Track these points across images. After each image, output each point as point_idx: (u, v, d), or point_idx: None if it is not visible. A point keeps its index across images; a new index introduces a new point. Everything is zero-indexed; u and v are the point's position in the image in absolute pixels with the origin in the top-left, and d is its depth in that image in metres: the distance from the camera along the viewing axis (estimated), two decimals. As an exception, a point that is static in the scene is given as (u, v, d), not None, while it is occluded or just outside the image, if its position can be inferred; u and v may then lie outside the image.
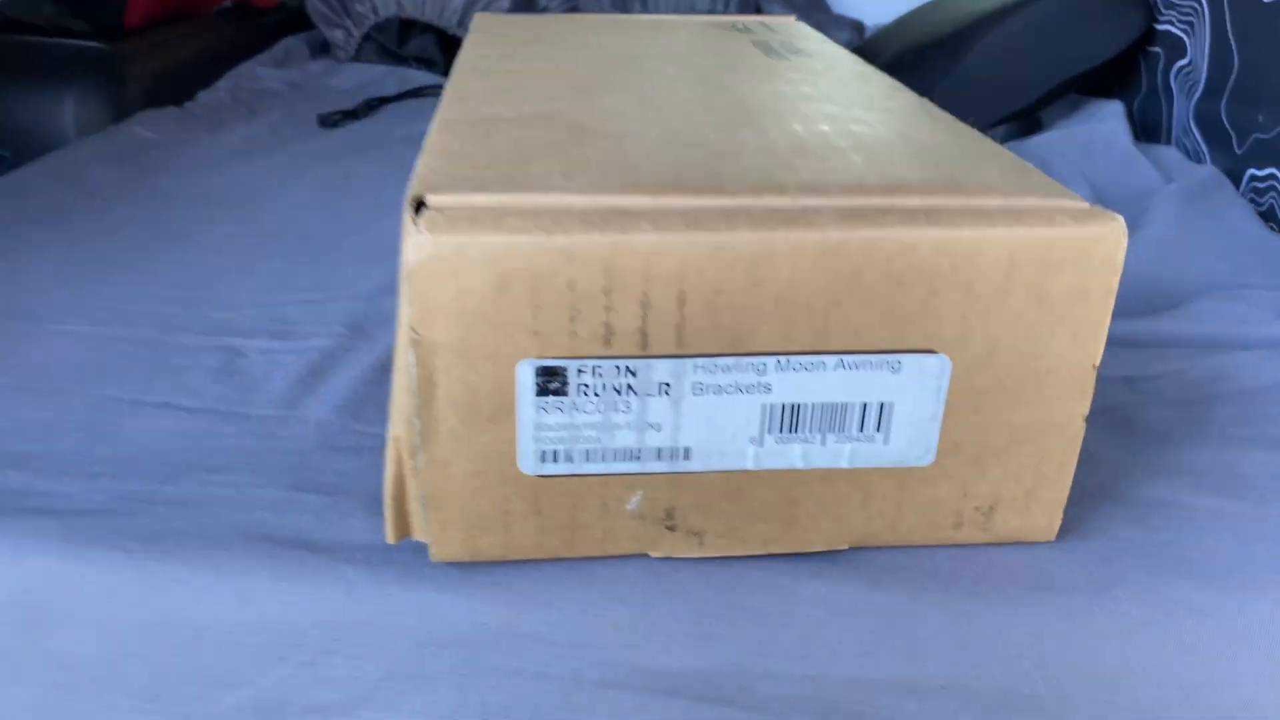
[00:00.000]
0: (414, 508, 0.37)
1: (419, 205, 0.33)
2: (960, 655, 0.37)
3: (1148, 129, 0.86)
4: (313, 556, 0.38)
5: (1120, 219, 0.34)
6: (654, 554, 0.38)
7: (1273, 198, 0.69)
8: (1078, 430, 0.37)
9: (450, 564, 0.38)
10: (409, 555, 0.38)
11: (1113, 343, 0.52)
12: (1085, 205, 0.34)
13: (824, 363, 0.35)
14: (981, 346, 0.35)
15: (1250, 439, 0.45)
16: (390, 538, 0.37)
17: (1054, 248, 0.33)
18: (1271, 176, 0.69)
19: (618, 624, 0.37)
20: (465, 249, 0.32)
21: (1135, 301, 0.56)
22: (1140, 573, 0.39)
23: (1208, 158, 0.77)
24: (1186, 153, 0.80)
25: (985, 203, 0.34)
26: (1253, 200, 0.71)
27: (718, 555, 0.38)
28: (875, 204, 0.34)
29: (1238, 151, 0.73)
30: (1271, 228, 0.67)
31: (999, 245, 0.33)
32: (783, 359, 0.34)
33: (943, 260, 0.33)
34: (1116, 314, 0.54)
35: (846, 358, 0.35)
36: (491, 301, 0.32)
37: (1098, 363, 0.36)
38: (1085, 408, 0.36)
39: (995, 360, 0.35)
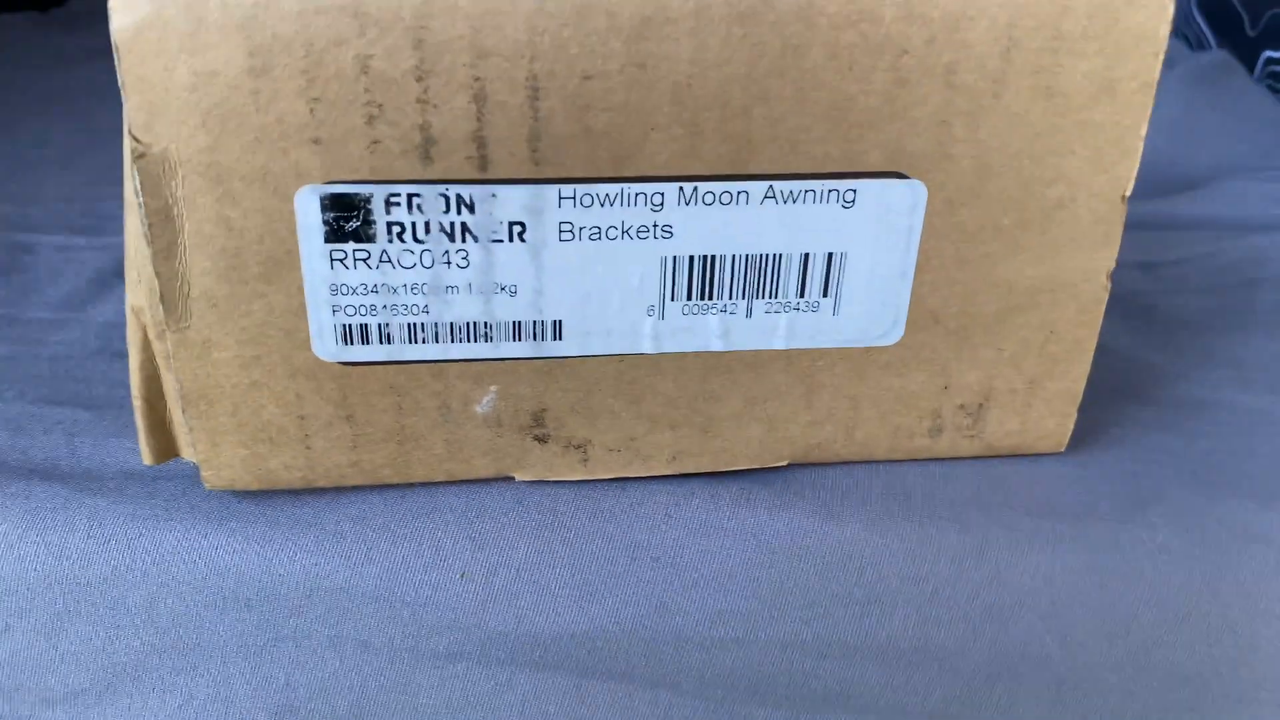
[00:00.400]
0: (175, 414, 0.26)
1: (139, -48, 0.22)
2: (941, 607, 0.27)
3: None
4: (49, 488, 0.27)
5: (1166, -26, 0.24)
6: (520, 476, 0.28)
7: (1294, 80, 0.59)
8: (1100, 291, 0.27)
9: (236, 494, 0.27)
10: (182, 484, 0.28)
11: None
12: (1114, -39, 0.24)
13: (747, 192, 0.24)
14: (969, 167, 0.25)
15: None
16: (148, 458, 0.27)
17: (1069, 16, 0.23)
18: (1292, 56, 0.59)
19: (470, 574, 0.27)
20: (200, 6, 0.21)
21: (1144, 183, 0.46)
22: (1180, 491, 0.29)
23: (1214, 45, 0.67)
24: (1188, 42, 0.70)
25: (974, -44, 0.24)
26: (1270, 86, 0.61)
27: (608, 477, 0.28)
28: (816, -45, 0.24)
29: (1250, 33, 0.63)
30: (1294, 113, 0.57)
31: (993, 12, 0.23)
32: (687, 187, 0.24)
33: (914, 33, 0.23)
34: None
35: (779, 185, 0.24)
36: (247, 92, 0.22)
37: (1129, 192, 0.26)
38: (1111, 259, 0.26)
39: (988, 188, 0.25)
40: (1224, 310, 0.37)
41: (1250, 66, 0.63)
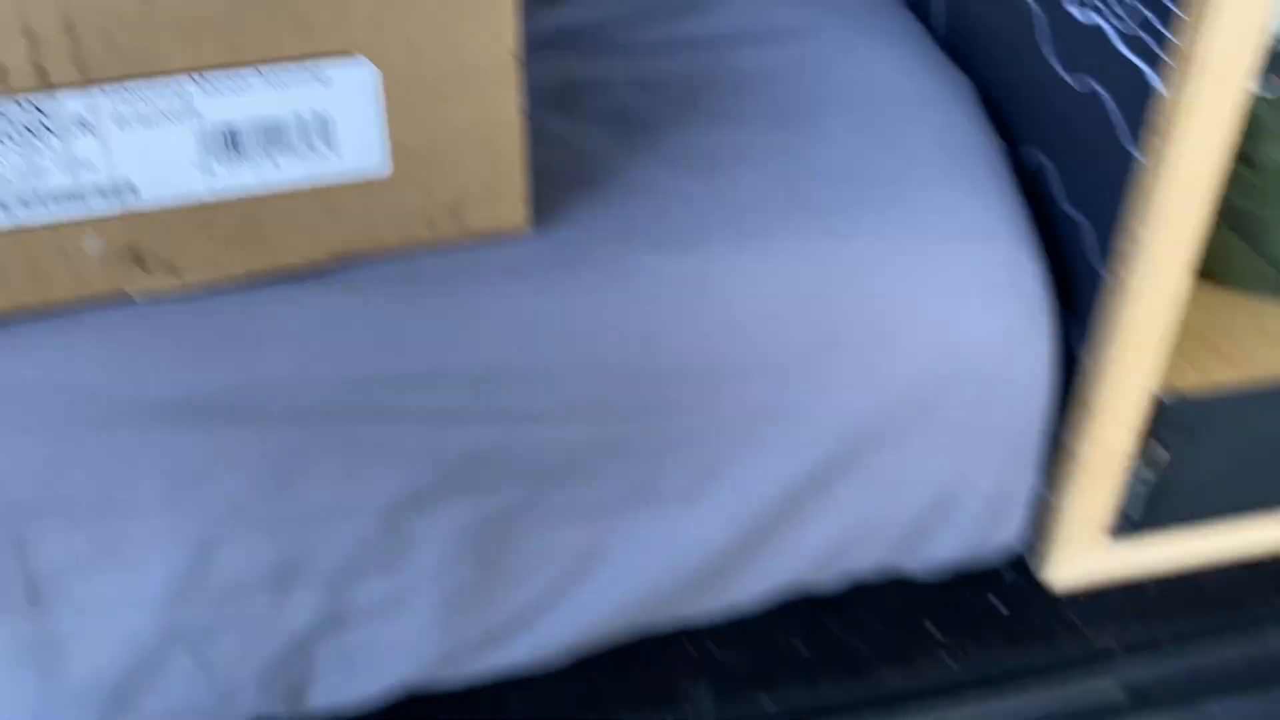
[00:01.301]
0: None
1: None
2: (445, 344, 0.41)
3: None
4: None
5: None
6: (133, 291, 0.39)
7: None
8: (516, 123, 0.40)
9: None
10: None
11: (629, 51, 0.55)
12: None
13: (247, 80, 0.35)
14: (402, 49, 0.36)
15: (728, 119, 0.50)
16: None
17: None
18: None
19: (106, 363, 0.38)
20: None
21: (659, 6, 0.58)
22: (608, 249, 0.43)
23: None
24: None
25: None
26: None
27: (198, 283, 0.39)
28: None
29: None
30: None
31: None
32: (199, 77, 0.35)
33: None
34: (633, 18, 0.57)
35: (267, 70, 0.35)
36: None
37: (514, 49, 0.38)
38: (517, 100, 0.39)
39: (419, 62, 0.37)
40: (681, 112, 0.51)
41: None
